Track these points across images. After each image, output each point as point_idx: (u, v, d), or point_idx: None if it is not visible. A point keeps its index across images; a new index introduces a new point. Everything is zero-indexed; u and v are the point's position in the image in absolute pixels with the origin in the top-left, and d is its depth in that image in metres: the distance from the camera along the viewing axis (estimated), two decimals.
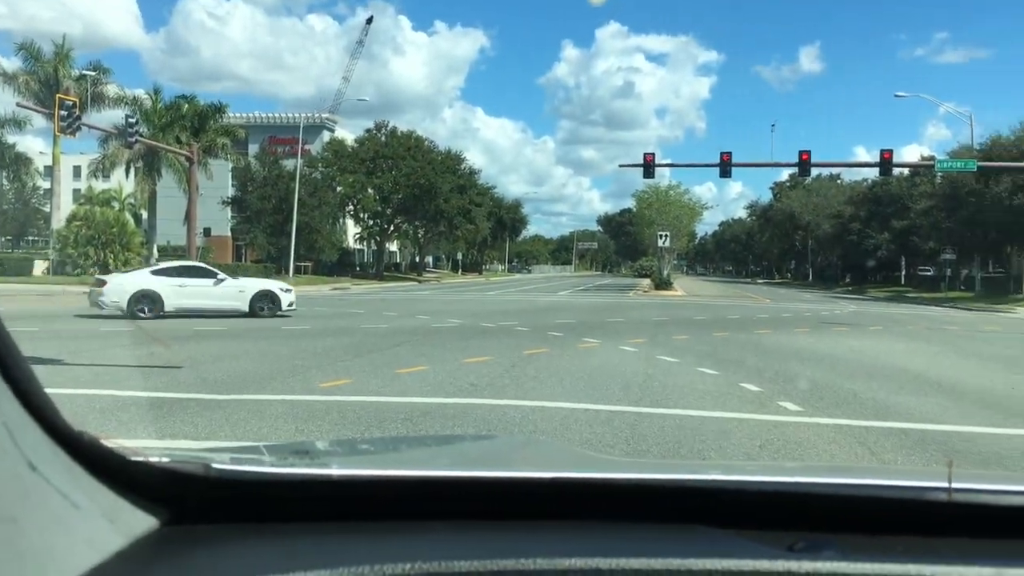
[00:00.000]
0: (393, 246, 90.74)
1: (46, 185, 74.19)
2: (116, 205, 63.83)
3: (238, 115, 75.92)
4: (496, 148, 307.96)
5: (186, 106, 55.41)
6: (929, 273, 66.60)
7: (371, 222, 73.46)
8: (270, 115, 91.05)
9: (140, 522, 1.19)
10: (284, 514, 1.29)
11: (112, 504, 1.17)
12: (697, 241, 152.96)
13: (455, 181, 72.12)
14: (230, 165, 62.66)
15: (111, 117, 52.61)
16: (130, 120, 39.29)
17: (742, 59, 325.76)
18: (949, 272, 57.52)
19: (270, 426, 7.54)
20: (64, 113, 32.93)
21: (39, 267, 50.11)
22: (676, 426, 7.85)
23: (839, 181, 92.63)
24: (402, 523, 1.27)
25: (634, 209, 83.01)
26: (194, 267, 24.02)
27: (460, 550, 1.15)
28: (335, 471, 1.52)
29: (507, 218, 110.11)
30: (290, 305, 22.54)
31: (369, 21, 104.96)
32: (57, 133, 39.58)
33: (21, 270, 48.15)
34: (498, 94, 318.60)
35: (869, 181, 76.85)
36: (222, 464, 1.31)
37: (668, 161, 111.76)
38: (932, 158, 51.66)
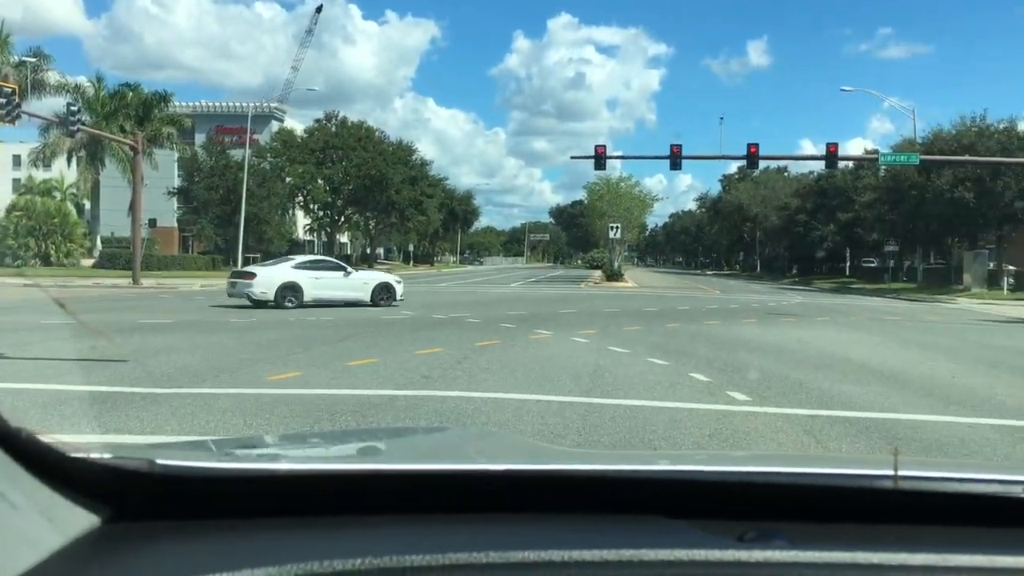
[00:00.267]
0: (344, 237, 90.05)
1: None
2: (58, 195, 62.57)
3: (184, 104, 74.78)
4: (447, 139, 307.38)
5: (130, 94, 54.37)
6: (873, 264, 67.99)
7: (321, 213, 72.89)
8: (217, 104, 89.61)
9: (81, 520, 1.16)
10: (231, 510, 1.26)
11: (51, 502, 1.14)
12: (648, 233, 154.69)
13: (406, 172, 71.81)
14: (176, 155, 61.68)
15: (52, 105, 51.38)
16: (72, 108, 38.24)
17: (691, 52, 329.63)
18: (892, 263, 58.87)
19: (218, 420, 7.43)
20: (3, 100, 32.00)
21: None
22: (627, 416, 7.91)
23: (786, 174, 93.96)
24: (352, 518, 1.26)
25: (585, 201, 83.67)
26: (327, 261, 26.48)
27: (411, 544, 1.14)
28: (283, 466, 1.50)
29: (459, 209, 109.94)
30: (400, 297, 24.22)
31: (319, 10, 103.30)
32: None
33: None
34: (449, 85, 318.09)
35: (815, 174, 78.03)
36: (167, 460, 1.28)
37: (619, 153, 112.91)
38: (876, 152, 52.83)
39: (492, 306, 25.65)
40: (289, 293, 22.44)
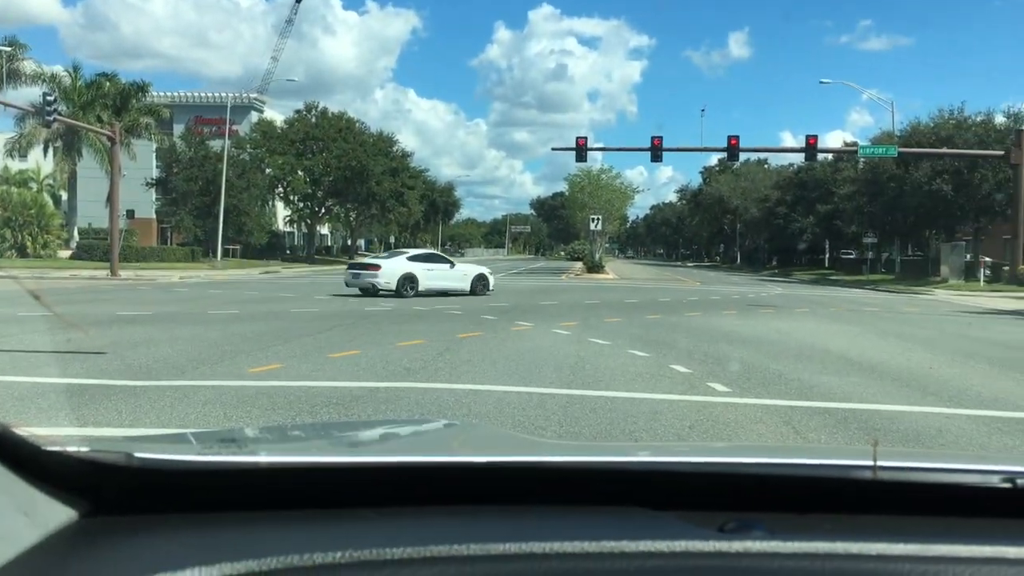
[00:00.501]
0: (324, 229, 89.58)
1: None
2: (34, 186, 61.81)
3: (162, 94, 73.90)
4: (428, 130, 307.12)
5: (108, 84, 53.78)
6: (852, 256, 68.50)
7: (301, 204, 72.41)
8: (196, 94, 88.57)
9: (58, 514, 1.15)
10: (211, 504, 1.25)
11: (27, 496, 1.12)
12: (629, 225, 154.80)
13: (387, 163, 71.42)
14: (154, 145, 61.03)
15: (28, 94, 50.63)
16: (48, 98, 37.77)
17: (673, 44, 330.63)
18: (871, 255, 59.33)
19: (197, 413, 7.38)
20: None
21: None
22: (608, 408, 7.94)
23: (766, 166, 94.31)
24: (333, 511, 1.25)
25: (567, 193, 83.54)
26: (436, 255, 29.41)
27: (392, 537, 1.13)
28: (264, 459, 1.49)
29: (440, 201, 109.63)
30: (492, 287, 27.23)
31: None
32: None
33: None
34: (430, 75, 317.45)
35: (795, 166, 78.39)
36: (145, 453, 1.27)
37: (600, 145, 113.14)
38: (855, 144, 53.17)
39: (474, 297, 25.66)
40: (408, 284, 24.99)
